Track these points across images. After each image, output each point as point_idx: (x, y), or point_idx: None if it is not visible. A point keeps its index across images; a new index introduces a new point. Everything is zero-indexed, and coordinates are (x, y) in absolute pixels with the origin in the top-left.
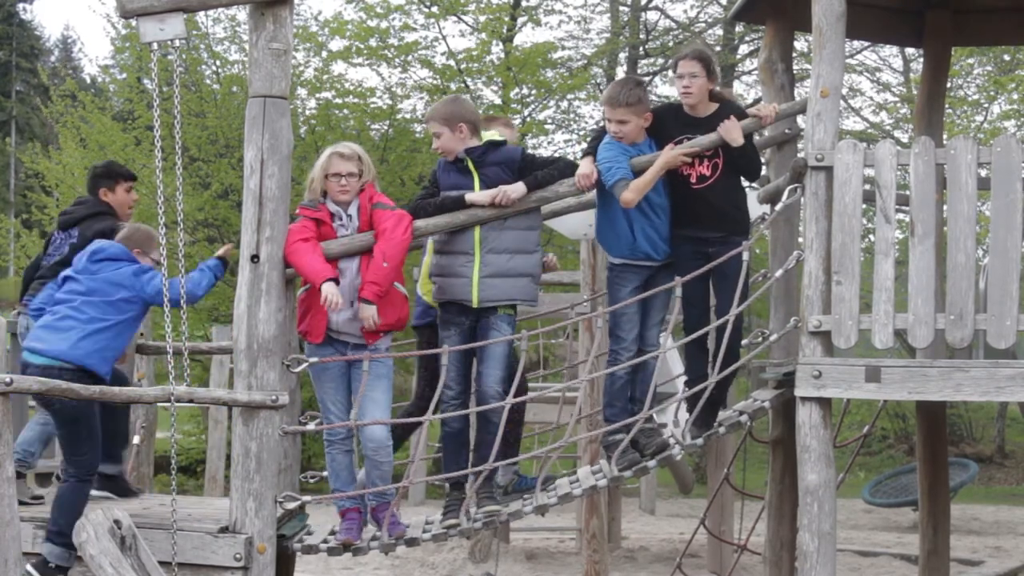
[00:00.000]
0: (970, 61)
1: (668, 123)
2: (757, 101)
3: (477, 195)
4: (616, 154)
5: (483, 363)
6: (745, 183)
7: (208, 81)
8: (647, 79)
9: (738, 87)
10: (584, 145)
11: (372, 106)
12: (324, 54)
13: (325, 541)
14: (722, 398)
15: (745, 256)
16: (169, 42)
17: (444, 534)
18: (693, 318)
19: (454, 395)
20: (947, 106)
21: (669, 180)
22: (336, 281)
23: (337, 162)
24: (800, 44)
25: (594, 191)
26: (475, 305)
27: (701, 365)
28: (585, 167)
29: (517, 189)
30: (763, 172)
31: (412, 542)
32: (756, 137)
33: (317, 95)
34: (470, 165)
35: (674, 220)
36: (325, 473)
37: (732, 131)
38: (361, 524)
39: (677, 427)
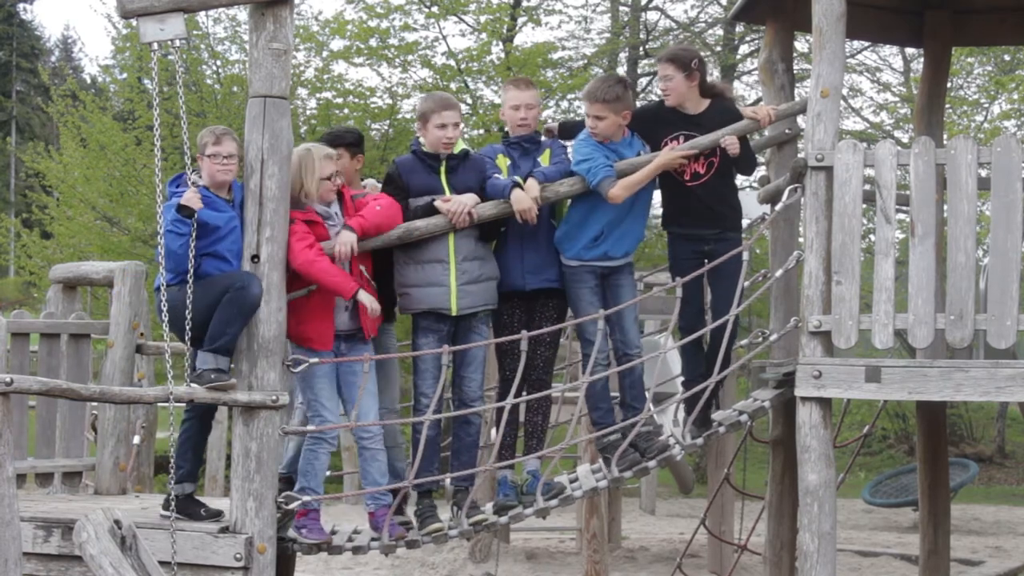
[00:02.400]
0: (970, 61)
1: (662, 120)
2: (757, 101)
3: (448, 203)
4: (590, 151)
5: (465, 368)
6: (741, 180)
7: (209, 81)
8: (647, 79)
9: (738, 87)
10: None
11: (372, 106)
12: (324, 54)
13: None
14: (715, 397)
15: (745, 256)
16: (169, 42)
17: (444, 537)
18: (688, 316)
19: (431, 403)
20: (947, 106)
21: (662, 178)
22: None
23: (329, 165)
24: (800, 44)
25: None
26: (454, 313)
27: (698, 364)
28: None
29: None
30: (763, 172)
31: (412, 543)
32: (756, 137)
33: (317, 95)
34: (443, 169)
35: (668, 218)
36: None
37: (732, 146)
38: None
39: (677, 427)
